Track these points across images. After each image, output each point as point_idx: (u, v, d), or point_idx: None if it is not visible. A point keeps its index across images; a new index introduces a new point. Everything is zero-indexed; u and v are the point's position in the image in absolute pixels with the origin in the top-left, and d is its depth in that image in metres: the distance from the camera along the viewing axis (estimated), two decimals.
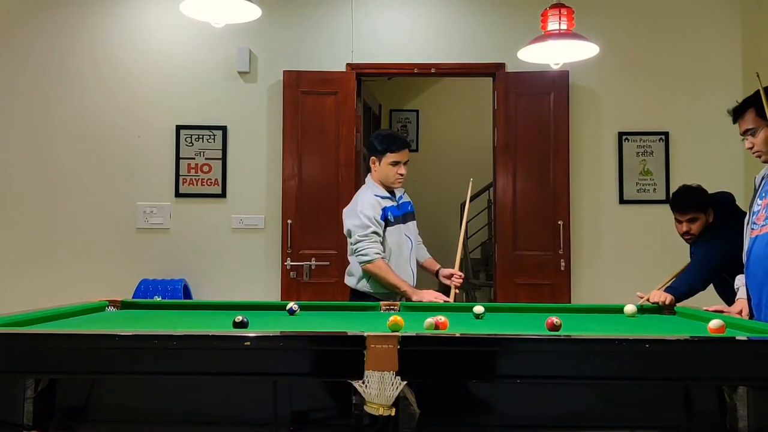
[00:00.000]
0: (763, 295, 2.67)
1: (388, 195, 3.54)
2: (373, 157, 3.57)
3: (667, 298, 3.05)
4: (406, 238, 3.56)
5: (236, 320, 2.15)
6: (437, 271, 3.68)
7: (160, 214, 5.15)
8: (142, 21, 5.25)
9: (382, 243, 3.44)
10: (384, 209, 3.48)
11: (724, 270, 3.29)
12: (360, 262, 3.40)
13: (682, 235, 3.52)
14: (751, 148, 2.96)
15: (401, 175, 3.52)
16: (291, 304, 2.75)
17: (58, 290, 4.66)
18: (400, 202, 3.63)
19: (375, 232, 3.40)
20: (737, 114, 2.96)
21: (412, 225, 3.65)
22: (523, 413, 1.88)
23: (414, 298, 3.29)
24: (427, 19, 5.28)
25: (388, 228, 3.46)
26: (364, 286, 3.49)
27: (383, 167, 3.51)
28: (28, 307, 2.55)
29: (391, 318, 2.00)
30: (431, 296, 3.28)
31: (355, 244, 3.40)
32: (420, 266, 3.72)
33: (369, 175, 3.66)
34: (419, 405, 1.77)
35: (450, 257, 8.64)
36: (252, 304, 3.13)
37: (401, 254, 3.51)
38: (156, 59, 5.22)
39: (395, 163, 3.49)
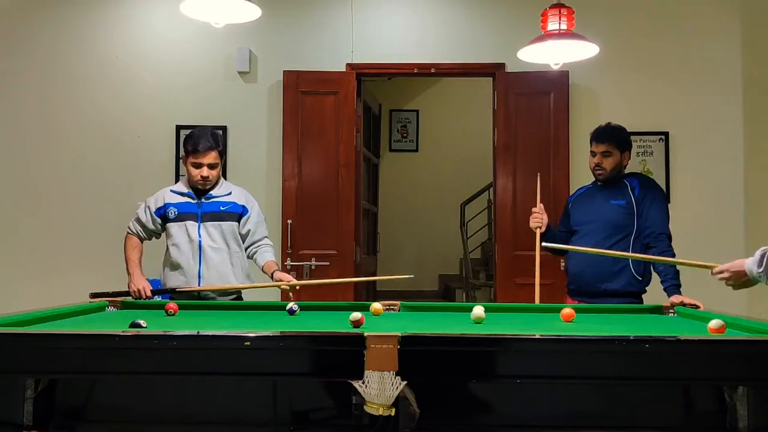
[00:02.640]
0: None
1: (186, 192, 3.53)
2: (183, 157, 3.56)
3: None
4: (197, 236, 3.48)
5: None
6: (271, 275, 3.64)
7: None
8: (142, 21, 5.25)
9: (167, 236, 3.55)
10: (167, 205, 3.52)
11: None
12: None
13: (593, 169, 3.53)
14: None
15: (203, 177, 3.45)
16: (291, 304, 2.74)
17: (58, 290, 4.65)
18: (211, 201, 3.53)
19: (138, 219, 3.57)
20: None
21: (213, 225, 3.51)
22: (523, 413, 1.88)
23: (128, 280, 3.42)
24: (427, 19, 5.28)
25: (170, 223, 3.52)
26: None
27: (187, 168, 3.49)
28: (28, 307, 2.55)
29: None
30: (140, 285, 3.35)
31: None
32: (261, 269, 3.70)
33: None
34: (419, 405, 1.77)
35: (450, 257, 8.68)
36: (252, 304, 3.13)
37: (181, 251, 3.48)
38: (156, 59, 5.23)
39: (197, 165, 3.44)
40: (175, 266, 3.50)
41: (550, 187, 5.03)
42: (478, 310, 2.54)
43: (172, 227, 3.51)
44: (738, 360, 1.78)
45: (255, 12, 3.19)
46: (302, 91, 5.07)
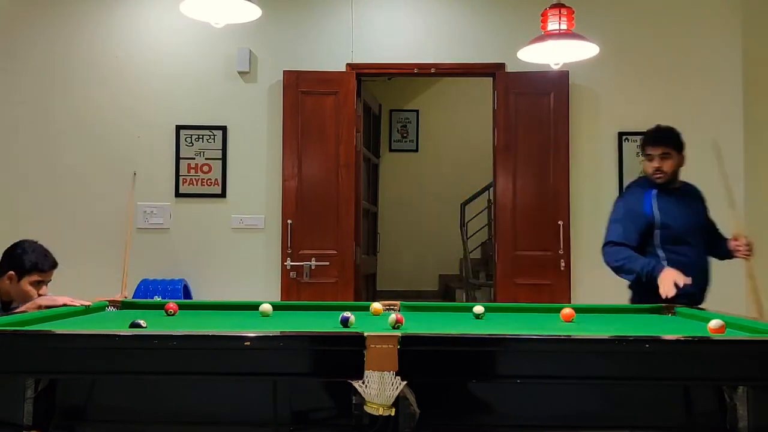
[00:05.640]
0: None
1: None
2: (11, 272, 3.07)
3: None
4: None
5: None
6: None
7: (160, 214, 5.15)
8: (142, 21, 5.25)
9: None
10: None
11: None
12: None
13: (653, 173, 3.40)
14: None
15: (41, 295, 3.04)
16: (346, 314, 2.23)
17: (58, 290, 4.65)
18: None
19: None
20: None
21: None
22: (523, 413, 1.88)
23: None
24: (427, 19, 5.28)
25: None
26: None
27: (23, 285, 3.06)
28: None
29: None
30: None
31: None
32: None
33: None
34: (419, 405, 1.77)
35: (450, 257, 8.67)
36: (252, 304, 3.13)
37: None
38: (156, 59, 5.22)
39: (38, 283, 3.08)
40: None
41: (549, 187, 5.03)
42: (478, 309, 2.57)
43: None
44: (738, 360, 1.78)
45: (255, 12, 3.19)
46: (302, 91, 5.08)
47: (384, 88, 7.71)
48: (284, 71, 5.09)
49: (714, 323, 2.15)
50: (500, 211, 5.11)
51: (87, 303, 2.90)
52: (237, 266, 5.13)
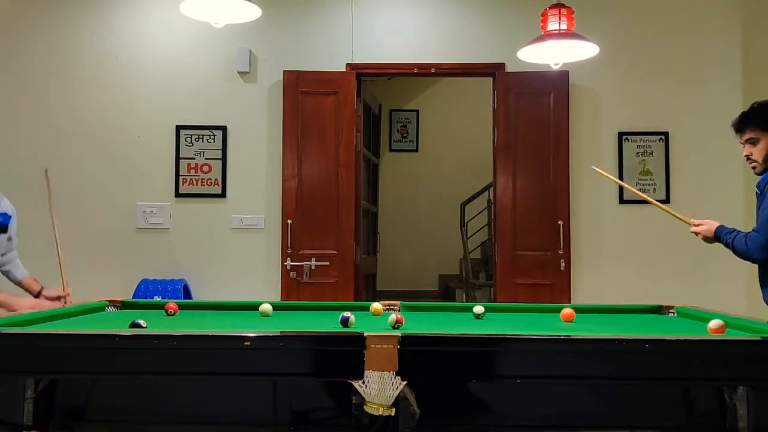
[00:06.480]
0: None
1: None
2: None
3: (699, 227, 2.97)
4: None
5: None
6: (39, 292, 3.39)
7: (160, 214, 5.15)
8: (142, 21, 5.25)
9: None
10: None
11: None
12: None
13: (748, 163, 2.94)
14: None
15: None
16: (346, 314, 2.25)
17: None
18: None
19: None
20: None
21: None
22: (523, 413, 1.88)
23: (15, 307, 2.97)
24: (427, 19, 5.28)
25: None
26: None
27: None
28: None
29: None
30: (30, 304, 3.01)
31: None
32: (19, 284, 3.45)
33: None
34: (419, 405, 1.77)
35: (450, 257, 8.67)
36: (252, 304, 3.13)
37: None
38: (156, 59, 5.22)
39: None
40: None
41: (549, 187, 5.03)
42: (478, 310, 2.58)
43: None
44: (738, 360, 1.78)
45: (255, 12, 3.19)
46: (302, 91, 5.08)
47: (384, 88, 7.71)
48: (284, 71, 5.10)
49: (714, 323, 2.15)
50: (500, 211, 5.12)
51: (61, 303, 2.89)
52: (237, 266, 5.13)
